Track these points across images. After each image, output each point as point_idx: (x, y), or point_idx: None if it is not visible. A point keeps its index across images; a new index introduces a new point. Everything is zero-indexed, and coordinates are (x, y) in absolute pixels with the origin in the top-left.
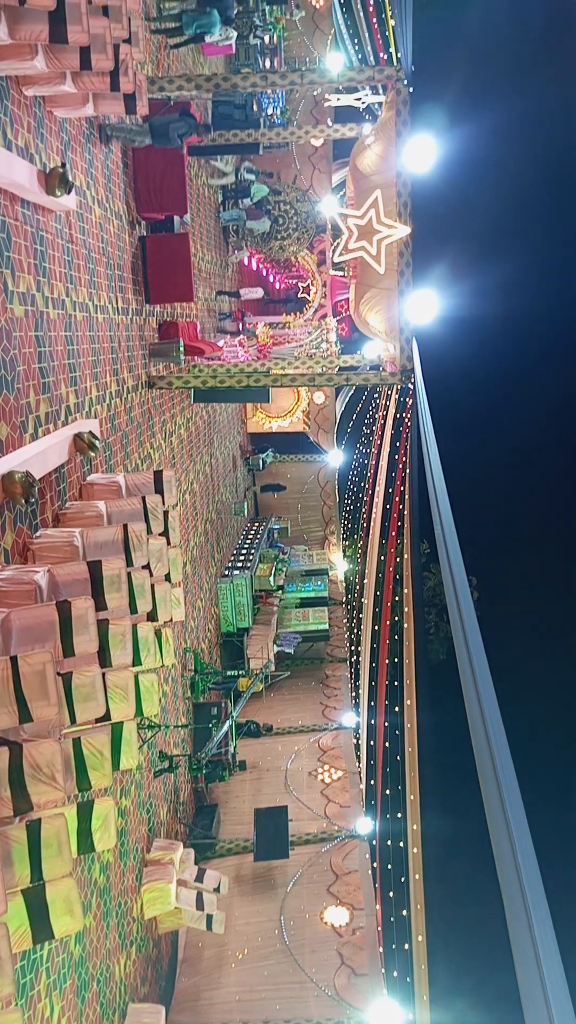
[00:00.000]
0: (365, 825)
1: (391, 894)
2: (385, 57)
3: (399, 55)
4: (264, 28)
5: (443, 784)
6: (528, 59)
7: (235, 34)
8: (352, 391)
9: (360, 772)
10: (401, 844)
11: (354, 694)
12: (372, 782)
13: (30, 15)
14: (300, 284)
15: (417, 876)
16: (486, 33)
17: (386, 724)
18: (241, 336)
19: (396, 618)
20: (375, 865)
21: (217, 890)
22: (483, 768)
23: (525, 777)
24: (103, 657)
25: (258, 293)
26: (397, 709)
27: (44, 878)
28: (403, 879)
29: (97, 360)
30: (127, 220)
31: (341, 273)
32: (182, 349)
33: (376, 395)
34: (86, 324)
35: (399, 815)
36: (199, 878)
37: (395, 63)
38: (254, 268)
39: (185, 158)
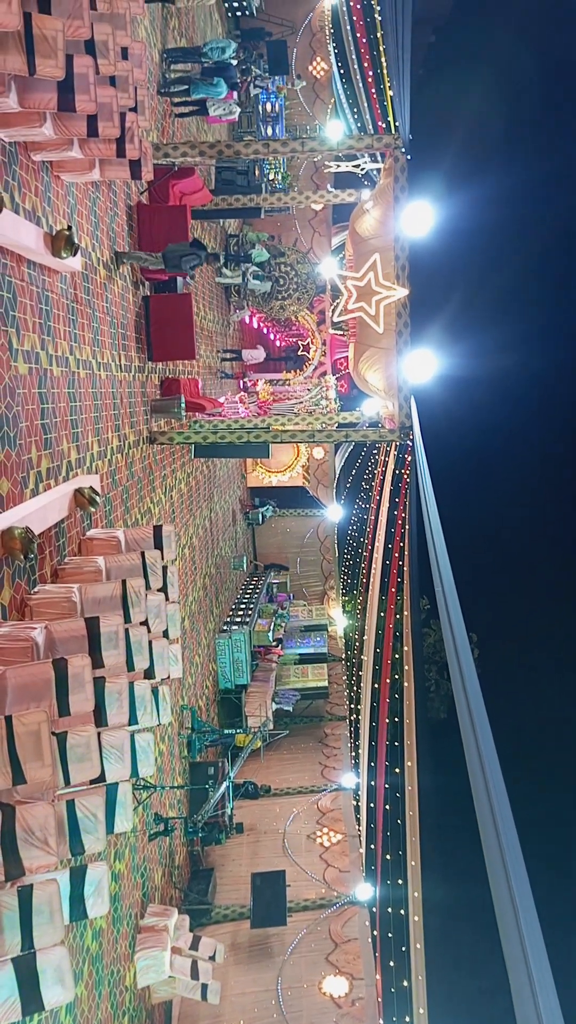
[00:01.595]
0: (365, 891)
1: (392, 964)
2: (383, 126)
3: (397, 124)
4: (261, 76)
5: (445, 849)
6: (522, 129)
7: (238, 109)
8: (351, 447)
9: (360, 836)
10: (402, 912)
11: (354, 754)
12: (372, 846)
13: (40, 84)
14: (300, 342)
15: (419, 945)
16: (482, 103)
17: (386, 786)
18: (242, 393)
19: (396, 676)
20: (375, 933)
21: (212, 958)
22: (485, 833)
23: (529, 841)
24: (99, 716)
25: (260, 356)
26: (398, 771)
27: (35, 946)
28: (404, 948)
29: (99, 416)
30: (131, 280)
31: (340, 332)
32: (183, 405)
33: (375, 451)
34: (89, 381)
35: (400, 881)
36: (194, 946)
37: (393, 132)
38: (255, 327)
39: (188, 221)
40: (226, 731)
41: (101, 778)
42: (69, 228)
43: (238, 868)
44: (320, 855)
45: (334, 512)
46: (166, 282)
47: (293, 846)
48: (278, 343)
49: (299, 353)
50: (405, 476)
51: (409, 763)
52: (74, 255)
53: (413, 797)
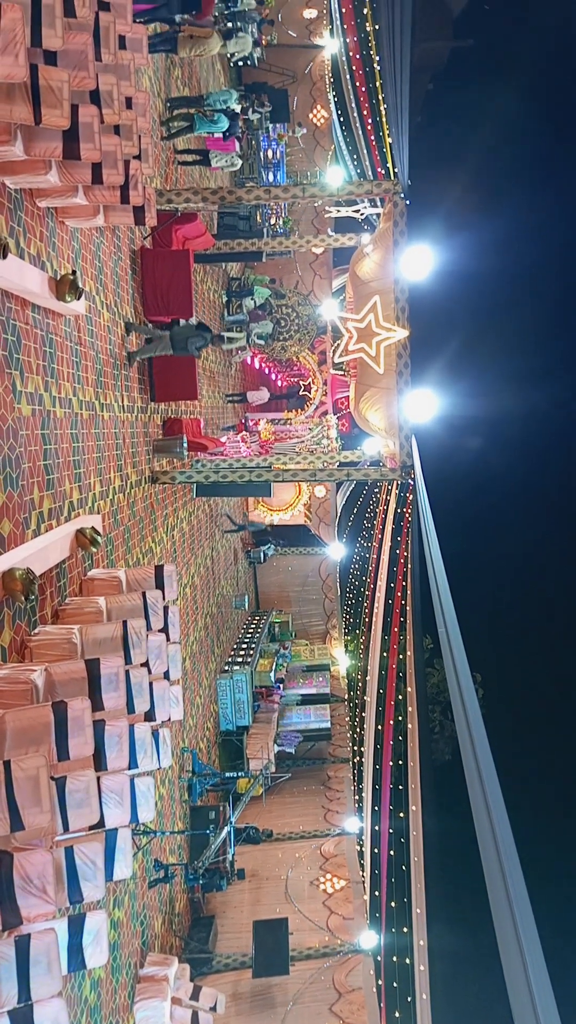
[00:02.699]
0: (369, 939)
1: (397, 1014)
2: (383, 172)
3: (396, 170)
4: (257, 109)
5: (451, 896)
6: (519, 173)
7: (240, 161)
8: (353, 485)
9: (364, 882)
10: (407, 960)
11: (357, 797)
12: (376, 893)
13: (45, 133)
14: (302, 382)
15: (424, 995)
16: (479, 149)
17: (391, 831)
18: (243, 432)
19: (400, 717)
20: (380, 983)
21: (214, 1009)
22: (491, 878)
23: (536, 885)
24: (98, 759)
25: (264, 397)
26: (402, 815)
27: (32, 998)
28: (410, 998)
29: (101, 456)
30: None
31: (341, 372)
32: (186, 445)
33: (376, 489)
34: (92, 422)
35: (405, 929)
36: (195, 996)
37: (392, 177)
38: (257, 367)
39: (191, 265)
40: (227, 774)
41: (100, 824)
42: (73, 272)
43: (239, 915)
44: (323, 902)
45: (336, 550)
46: (168, 325)
47: (296, 892)
48: (279, 383)
49: (300, 393)
50: (407, 515)
51: (413, 807)
52: (78, 299)
53: (418, 842)
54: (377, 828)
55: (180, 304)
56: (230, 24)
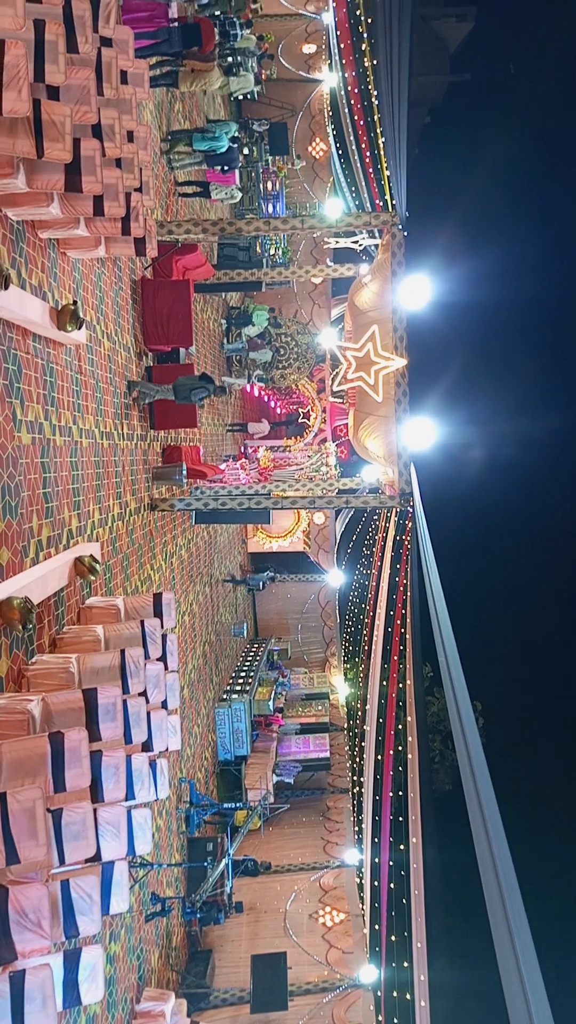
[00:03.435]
0: (369, 974)
1: None
2: (381, 203)
3: (394, 202)
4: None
5: (452, 930)
6: (516, 205)
7: (240, 194)
8: (352, 512)
9: (364, 915)
10: (408, 996)
11: (357, 829)
12: (376, 927)
13: (47, 166)
14: (300, 410)
15: None
16: (476, 181)
17: (391, 863)
18: (243, 460)
19: (400, 747)
20: (380, 1018)
21: None
22: (493, 912)
23: (538, 919)
24: (95, 791)
25: (265, 429)
26: (402, 847)
27: None
28: None
29: (101, 484)
30: (135, 352)
31: (340, 400)
32: (185, 472)
33: (375, 516)
34: (91, 450)
35: (405, 964)
36: None
37: (390, 209)
38: (256, 395)
39: (191, 295)
40: (225, 805)
41: (97, 856)
42: (74, 303)
43: (237, 949)
44: (323, 935)
45: (335, 577)
46: (169, 353)
47: (294, 926)
48: (279, 410)
49: (299, 420)
50: (406, 542)
51: (414, 839)
52: (79, 328)
53: (418, 875)
54: (377, 860)
55: (180, 333)
56: (230, 59)
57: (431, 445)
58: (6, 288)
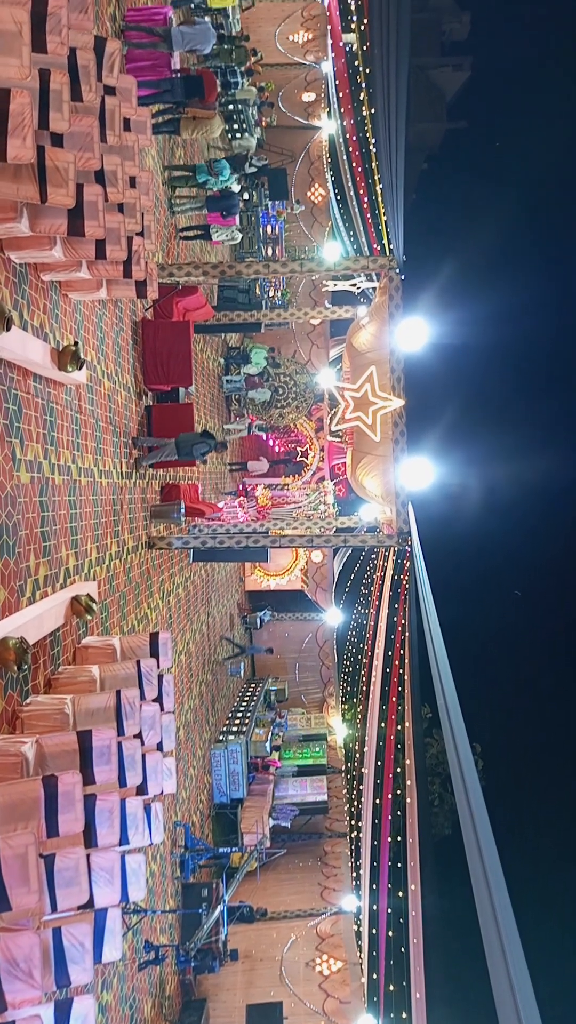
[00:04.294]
0: None
1: None
2: (379, 248)
3: (391, 246)
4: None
5: (452, 979)
6: (512, 249)
7: (240, 235)
8: (350, 550)
9: (362, 964)
10: None
11: (355, 875)
12: (375, 976)
13: (51, 210)
14: (299, 448)
15: None
16: (472, 226)
17: (389, 910)
18: (241, 498)
19: (398, 791)
20: None
21: None
22: (493, 961)
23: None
24: (88, 835)
25: (264, 468)
26: (401, 894)
27: None
28: None
29: (99, 523)
30: (135, 391)
31: (338, 439)
32: (183, 511)
33: (374, 555)
34: (90, 488)
35: (404, 1015)
36: None
37: (388, 253)
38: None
39: (191, 336)
40: (221, 850)
41: (89, 903)
42: (75, 344)
43: (232, 998)
44: (319, 984)
45: (333, 616)
46: (168, 392)
47: (291, 974)
48: (277, 448)
49: (297, 459)
50: (404, 582)
51: (413, 886)
52: (79, 369)
53: (417, 923)
54: (375, 907)
55: (180, 373)
56: (231, 106)
57: (429, 485)
58: (8, 330)
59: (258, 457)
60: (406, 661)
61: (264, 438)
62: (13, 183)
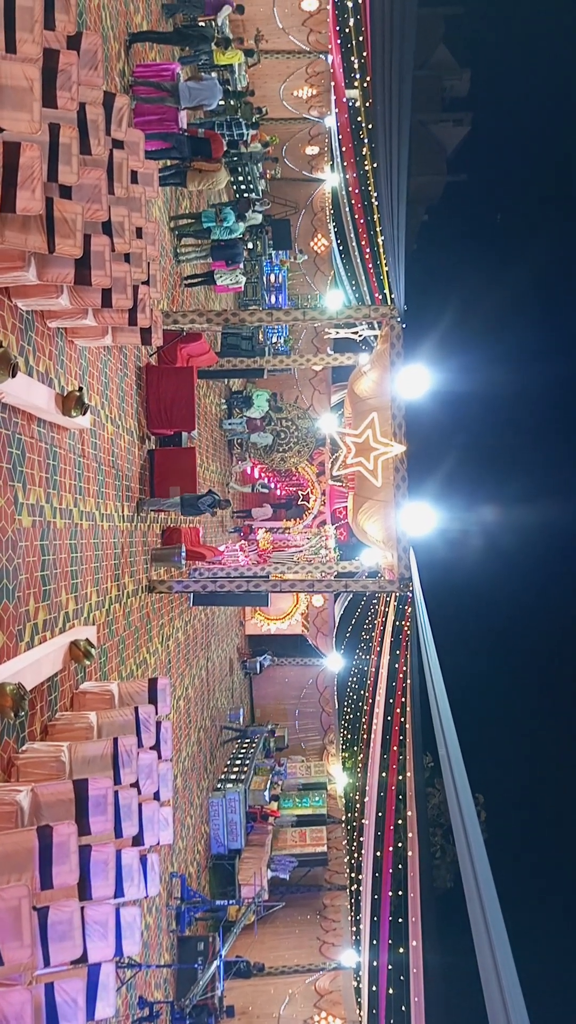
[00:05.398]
0: None
1: None
2: (380, 297)
3: (392, 295)
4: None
5: None
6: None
7: (244, 279)
8: (351, 595)
9: (361, 1022)
10: None
11: (355, 929)
12: None
13: (58, 260)
14: (300, 492)
15: None
16: (471, 276)
17: (389, 966)
18: (242, 542)
19: (399, 844)
20: None
21: None
22: (495, 1020)
23: None
24: (83, 888)
25: (268, 514)
26: (402, 950)
27: None
28: None
29: (99, 566)
30: (137, 435)
31: (340, 483)
32: (184, 554)
33: (375, 600)
34: (91, 532)
35: None
36: None
37: (389, 302)
38: (256, 477)
39: (195, 381)
40: (218, 902)
41: (83, 958)
42: (80, 389)
43: None
44: None
45: (334, 662)
46: (171, 436)
47: None
48: (278, 491)
49: (299, 503)
50: (405, 628)
51: (414, 942)
52: (83, 414)
53: (418, 980)
54: (376, 963)
55: (183, 418)
56: (236, 159)
57: (430, 531)
58: (13, 376)
59: (262, 504)
60: (407, 709)
61: (265, 480)
62: (21, 233)
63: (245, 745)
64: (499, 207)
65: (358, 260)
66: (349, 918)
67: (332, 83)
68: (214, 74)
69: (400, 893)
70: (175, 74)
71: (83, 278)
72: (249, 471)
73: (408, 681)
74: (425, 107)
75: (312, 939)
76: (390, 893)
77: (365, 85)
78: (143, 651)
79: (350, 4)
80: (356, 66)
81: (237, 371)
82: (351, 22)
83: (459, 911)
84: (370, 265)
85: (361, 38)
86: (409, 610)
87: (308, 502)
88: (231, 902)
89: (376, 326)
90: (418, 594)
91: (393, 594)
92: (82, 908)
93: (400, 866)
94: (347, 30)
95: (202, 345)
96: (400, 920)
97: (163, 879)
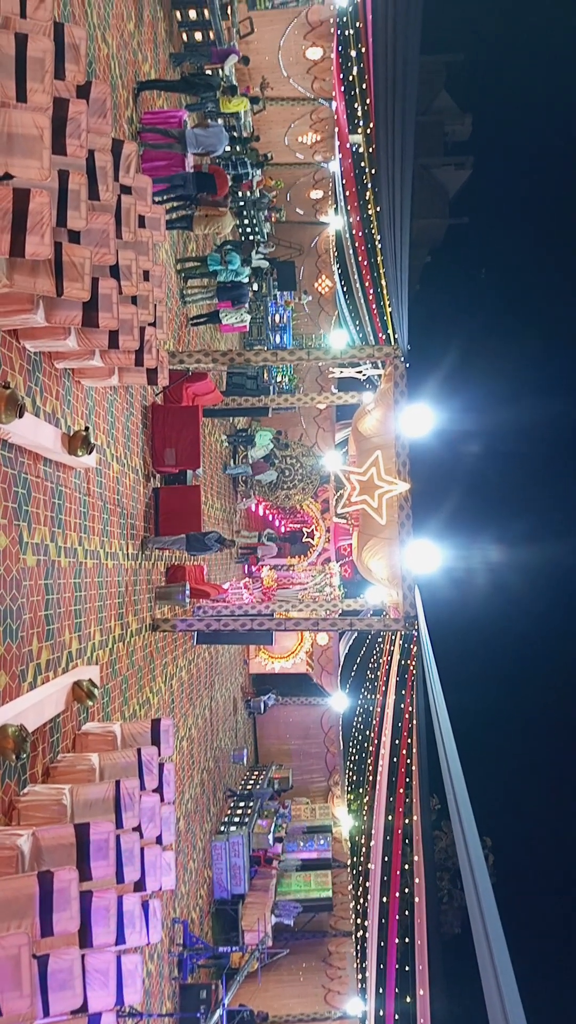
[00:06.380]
0: None
1: None
2: (384, 336)
3: (396, 336)
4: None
5: None
6: (513, 339)
7: (249, 317)
8: (356, 633)
9: None
10: None
11: (360, 977)
12: None
13: (66, 303)
14: (304, 529)
15: None
16: (473, 317)
17: (396, 1016)
18: (246, 579)
19: (406, 889)
20: None
21: None
22: None
23: None
24: (84, 935)
25: (273, 552)
26: (409, 999)
27: None
28: None
29: (103, 605)
30: (143, 474)
31: (344, 520)
32: (188, 592)
33: (380, 639)
34: (95, 571)
35: None
36: None
37: (393, 342)
38: (260, 514)
39: (200, 420)
40: (221, 949)
41: (83, 1007)
42: (86, 429)
43: None
44: None
45: (339, 701)
46: (176, 475)
47: None
48: (282, 528)
49: (304, 540)
50: (411, 667)
51: (421, 991)
52: (89, 453)
53: None
54: (382, 1012)
55: (188, 457)
56: (242, 203)
57: (435, 569)
58: (20, 417)
59: (261, 529)
60: (414, 750)
61: (270, 518)
62: (30, 277)
63: (250, 786)
64: (498, 250)
65: (362, 301)
66: (355, 965)
67: (336, 129)
68: (220, 120)
69: (407, 940)
70: (182, 121)
71: (91, 320)
72: (254, 508)
73: (414, 721)
74: (427, 151)
75: (317, 987)
76: (396, 940)
77: (368, 131)
78: (146, 691)
79: (353, 53)
80: (359, 112)
81: (242, 410)
82: (354, 70)
83: (467, 958)
84: (374, 305)
85: (364, 85)
86: (414, 649)
87: (313, 539)
88: (234, 949)
89: (380, 365)
90: (423, 633)
91: (398, 632)
92: (83, 956)
93: (407, 913)
94: (351, 78)
95: (207, 384)
96: (407, 968)
97: (165, 925)
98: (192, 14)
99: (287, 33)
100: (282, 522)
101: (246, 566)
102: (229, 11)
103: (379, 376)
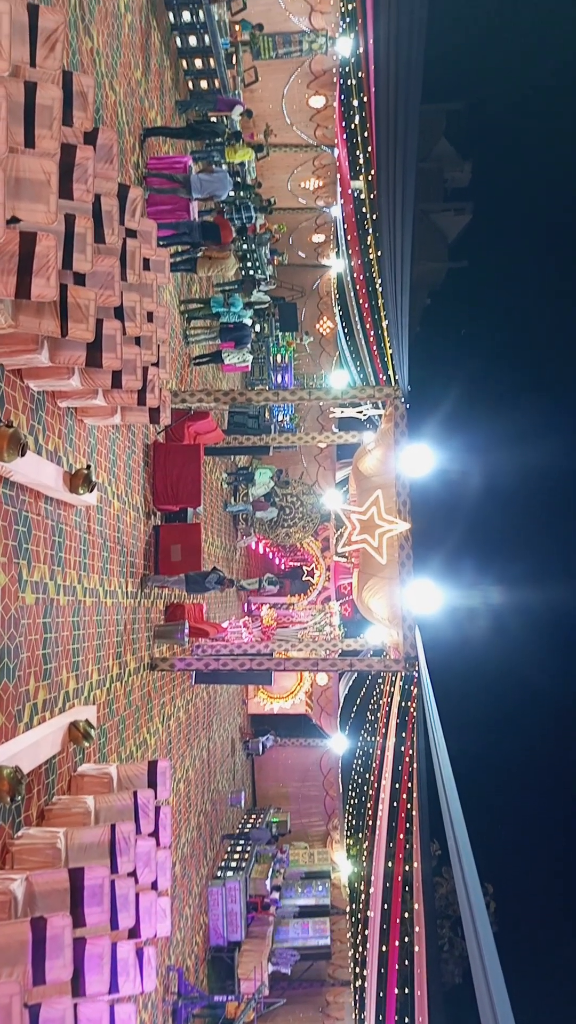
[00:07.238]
0: None
1: None
2: (384, 377)
3: (396, 377)
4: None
5: None
6: (513, 380)
7: (251, 357)
8: (356, 673)
9: None
10: None
11: None
12: None
13: (70, 343)
14: (304, 567)
15: None
16: (473, 359)
17: None
18: (245, 618)
19: (406, 938)
20: None
21: None
22: None
23: None
24: (76, 983)
25: (274, 589)
26: None
27: None
28: None
29: (101, 644)
30: (143, 512)
31: (344, 559)
32: (187, 631)
33: (380, 680)
34: (94, 609)
35: None
36: None
37: (393, 383)
38: (260, 552)
39: (201, 458)
40: (216, 997)
41: None
42: (88, 467)
43: None
44: None
45: (338, 743)
46: (177, 513)
47: None
48: (282, 566)
49: (304, 579)
50: (411, 709)
51: None
52: (91, 491)
53: None
54: None
55: (189, 494)
56: (244, 246)
57: (436, 609)
58: (22, 455)
59: (260, 567)
60: (414, 794)
61: (269, 556)
62: (36, 318)
63: (247, 829)
64: (497, 294)
65: (362, 342)
66: (353, 1016)
67: (338, 175)
68: (224, 166)
69: (407, 991)
70: (187, 166)
71: (94, 360)
72: (254, 546)
73: (414, 765)
74: (428, 197)
75: None
76: (396, 991)
77: (370, 177)
78: (143, 731)
79: (355, 102)
80: (361, 159)
81: (243, 448)
82: (356, 118)
83: (468, 1008)
84: (374, 347)
85: (366, 133)
86: (415, 690)
87: (313, 577)
88: (230, 998)
89: (380, 405)
90: (424, 674)
91: (399, 673)
92: (75, 1005)
93: (407, 963)
94: (352, 126)
95: (209, 423)
96: (407, 1020)
97: (159, 973)
98: (198, 63)
99: (290, 82)
100: (282, 559)
101: (246, 604)
102: (234, 60)
103: (380, 416)
